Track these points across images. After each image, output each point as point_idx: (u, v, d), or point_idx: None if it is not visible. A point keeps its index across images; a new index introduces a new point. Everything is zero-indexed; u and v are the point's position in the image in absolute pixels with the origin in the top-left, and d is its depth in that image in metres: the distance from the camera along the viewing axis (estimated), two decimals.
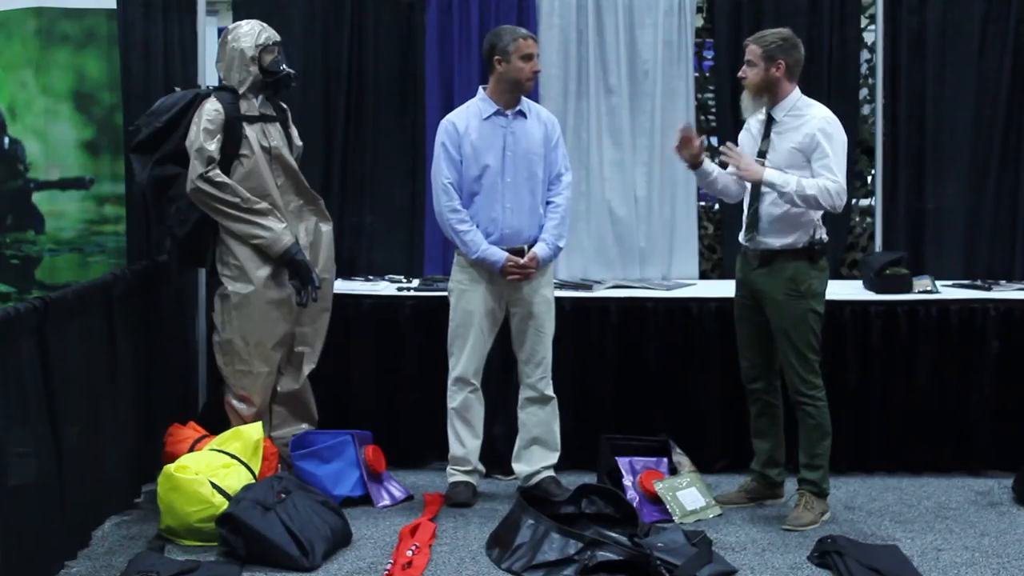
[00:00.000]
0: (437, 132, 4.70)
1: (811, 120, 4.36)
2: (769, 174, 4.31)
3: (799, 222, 4.39)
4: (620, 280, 5.49)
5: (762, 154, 4.43)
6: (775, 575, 3.98)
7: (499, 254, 4.60)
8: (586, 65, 5.57)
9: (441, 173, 4.64)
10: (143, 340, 4.66)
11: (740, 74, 4.47)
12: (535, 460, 4.75)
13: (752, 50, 4.42)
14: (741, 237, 4.55)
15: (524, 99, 4.71)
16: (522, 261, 4.61)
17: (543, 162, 4.68)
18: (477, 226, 4.62)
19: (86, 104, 5.41)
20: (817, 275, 4.44)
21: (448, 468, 4.79)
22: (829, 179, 4.28)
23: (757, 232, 4.44)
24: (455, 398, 4.73)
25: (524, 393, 4.75)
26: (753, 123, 4.54)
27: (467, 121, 4.65)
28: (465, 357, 4.67)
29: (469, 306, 4.66)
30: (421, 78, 5.57)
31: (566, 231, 4.76)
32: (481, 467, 4.81)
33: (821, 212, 4.38)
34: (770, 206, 4.41)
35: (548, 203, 4.71)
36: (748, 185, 4.49)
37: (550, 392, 4.74)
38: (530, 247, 4.65)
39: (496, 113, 4.65)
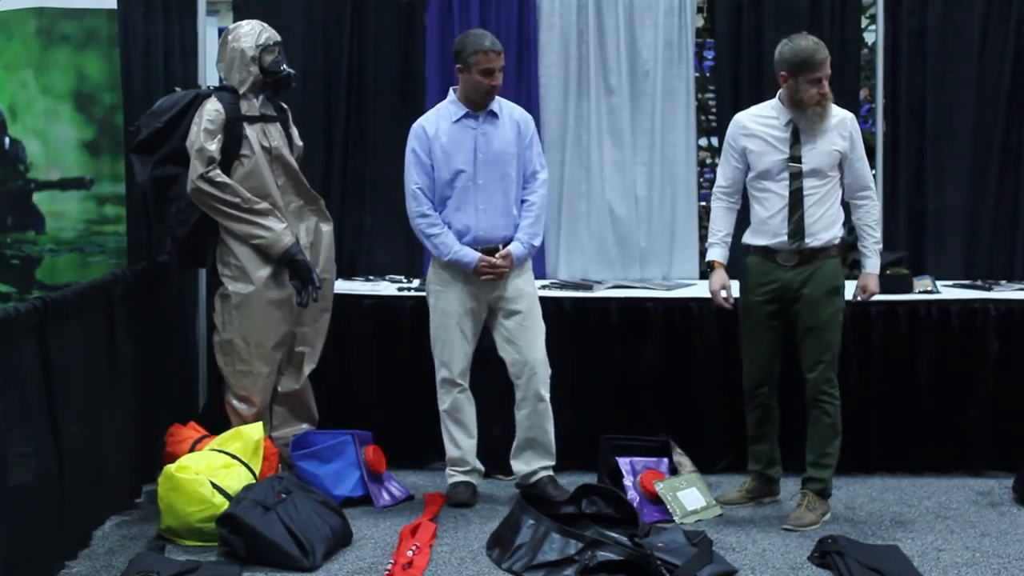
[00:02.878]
0: (408, 137, 4.66)
1: (841, 120, 4.39)
2: (875, 264, 4.51)
3: (837, 216, 4.44)
4: (620, 280, 5.49)
5: (795, 159, 4.38)
6: (775, 575, 3.98)
7: (472, 255, 4.57)
8: (586, 65, 5.57)
9: (411, 179, 4.61)
10: (143, 340, 4.66)
11: (823, 91, 4.32)
12: (531, 460, 4.73)
13: (827, 66, 4.32)
14: (769, 242, 4.43)
15: (497, 98, 4.65)
16: (494, 260, 4.58)
17: (516, 161, 4.64)
18: (450, 227, 4.60)
19: (86, 104, 5.40)
20: (844, 272, 4.49)
21: (447, 470, 4.79)
22: (867, 196, 4.47)
23: (804, 236, 4.38)
24: (444, 400, 4.71)
25: (518, 393, 4.70)
26: (759, 129, 4.44)
27: (437, 124, 4.62)
28: (448, 358, 4.66)
29: (447, 307, 4.64)
30: (421, 78, 5.57)
31: (541, 229, 4.72)
32: (480, 465, 4.80)
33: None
34: (813, 207, 4.38)
35: (523, 201, 4.67)
36: (786, 193, 4.38)
37: (543, 392, 4.67)
38: (505, 247, 4.62)
39: (466, 116, 4.61)
